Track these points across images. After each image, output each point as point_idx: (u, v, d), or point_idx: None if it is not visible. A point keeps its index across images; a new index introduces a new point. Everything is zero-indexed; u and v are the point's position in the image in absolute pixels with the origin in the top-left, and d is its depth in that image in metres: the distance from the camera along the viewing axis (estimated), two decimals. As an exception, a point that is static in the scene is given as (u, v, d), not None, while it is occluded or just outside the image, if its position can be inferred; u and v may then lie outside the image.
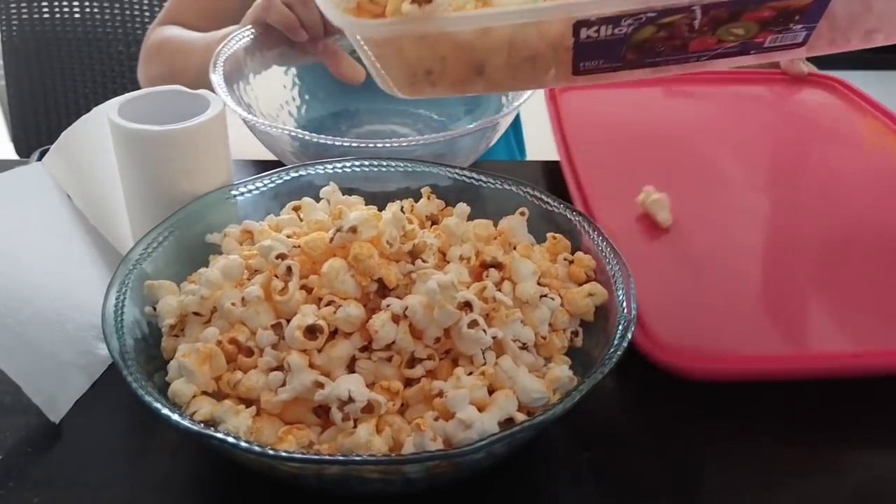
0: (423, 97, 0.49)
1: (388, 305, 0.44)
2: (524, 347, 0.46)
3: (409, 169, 0.59)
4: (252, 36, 0.77)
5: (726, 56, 0.45)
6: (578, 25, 0.42)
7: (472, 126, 0.68)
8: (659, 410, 0.52)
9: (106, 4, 1.27)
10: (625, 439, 0.50)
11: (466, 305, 0.43)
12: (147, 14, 1.27)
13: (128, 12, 1.27)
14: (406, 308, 0.43)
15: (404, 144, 0.64)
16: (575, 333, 0.49)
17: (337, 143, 0.63)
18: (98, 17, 1.27)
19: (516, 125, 1.14)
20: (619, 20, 0.41)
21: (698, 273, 0.61)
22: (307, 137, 0.64)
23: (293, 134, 0.66)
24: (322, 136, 0.63)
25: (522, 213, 0.54)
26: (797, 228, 0.66)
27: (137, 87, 0.63)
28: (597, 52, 0.44)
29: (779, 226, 0.68)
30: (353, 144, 0.63)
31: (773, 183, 0.74)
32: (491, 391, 0.43)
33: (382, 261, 0.46)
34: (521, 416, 0.42)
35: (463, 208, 0.51)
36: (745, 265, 0.62)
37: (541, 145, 1.15)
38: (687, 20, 0.41)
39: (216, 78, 0.70)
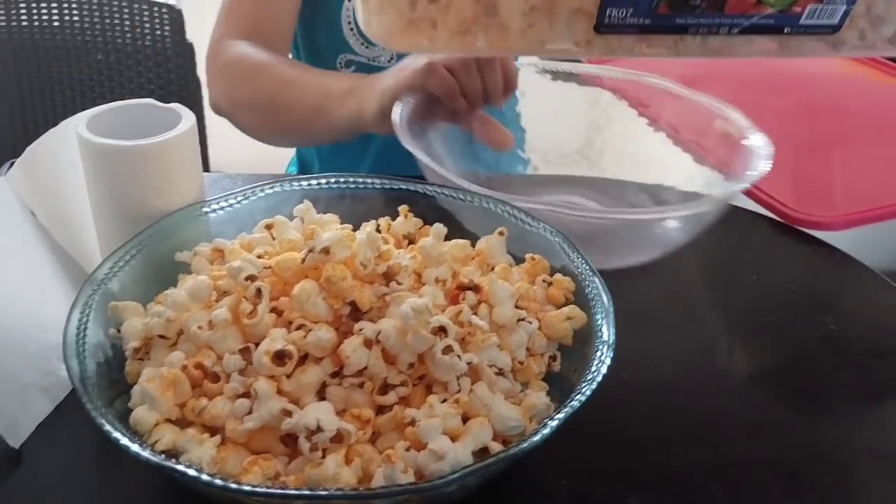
0: (413, 50, 0.42)
1: (360, 330, 0.43)
2: (500, 373, 0.45)
3: (387, 186, 0.58)
4: (412, 103, 0.68)
5: (759, 31, 0.44)
6: None
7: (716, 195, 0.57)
8: (638, 438, 0.51)
9: (86, 12, 1.25)
10: (603, 466, 0.48)
11: (441, 330, 0.42)
12: (127, 23, 1.26)
13: (108, 21, 1.25)
14: (379, 333, 0.42)
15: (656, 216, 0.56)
16: (553, 358, 0.48)
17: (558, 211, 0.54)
18: (77, 25, 1.25)
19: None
20: None
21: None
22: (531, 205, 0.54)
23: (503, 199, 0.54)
24: (545, 202, 0.55)
25: (501, 233, 0.53)
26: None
27: (117, 98, 0.60)
28: None
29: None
30: (573, 214, 0.54)
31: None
32: (466, 419, 0.42)
33: (356, 283, 0.45)
34: (496, 446, 0.41)
35: (439, 229, 0.50)
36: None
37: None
38: None
39: (412, 148, 0.60)
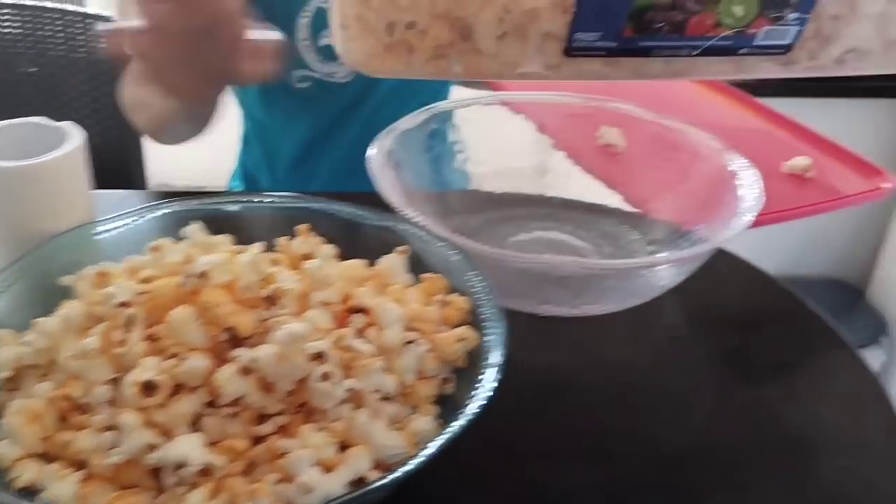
0: (389, 75, 0.45)
1: (236, 357, 0.41)
2: (388, 398, 0.44)
3: (290, 204, 0.56)
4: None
5: (717, 53, 0.46)
6: None
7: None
8: (537, 457, 0.50)
9: (17, 23, 1.22)
10: (500, 487, 0.48)
11: (319, 356, 0.41)
12: (60, 34, 1.23)
13: (40, 32, 1.23)
14: (254, 360, 0.41)
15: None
16: (446, 380, 0.47)
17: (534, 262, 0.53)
18: (9, 35, 1.22)
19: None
20: None
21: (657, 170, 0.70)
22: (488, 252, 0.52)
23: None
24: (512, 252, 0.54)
25: (402, 252, 0.52)
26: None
27: (51, 111, 0.57)
28: (597, 17, 0.43)
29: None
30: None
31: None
32: (348, 446, 0.41)
33: (237, 308, 0.43)
34: (373, 475, 0.40)
35: (327, 250, 0.48)
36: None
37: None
38: None
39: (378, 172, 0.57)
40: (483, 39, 0.43)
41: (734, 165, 0.63)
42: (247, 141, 0.97)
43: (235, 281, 0.44)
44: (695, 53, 0.46)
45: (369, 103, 0.88)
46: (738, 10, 0.45)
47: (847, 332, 1.74)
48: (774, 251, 1.84)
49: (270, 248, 0.52)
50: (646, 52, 0.46)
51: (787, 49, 0.48)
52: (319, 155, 0.90)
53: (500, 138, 0.75)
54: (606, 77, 0.47)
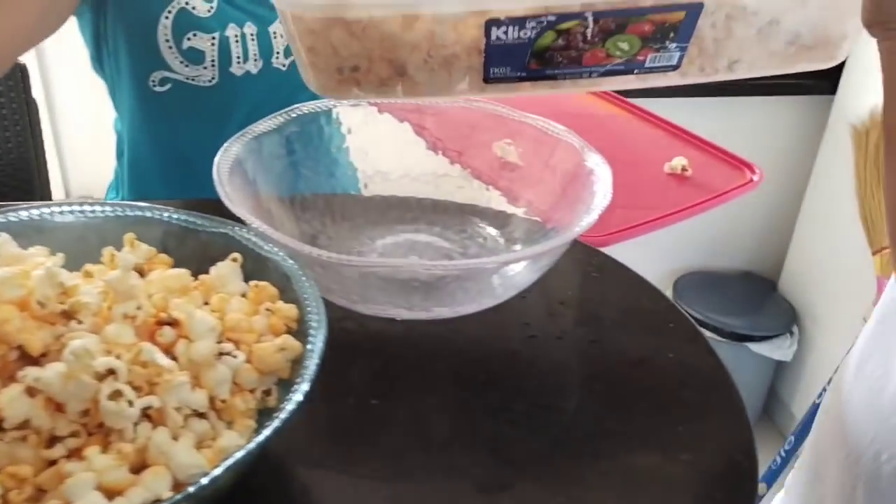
0: (347, 98, 0.52)
1: (23, 377, 0.39)
2: (200, 414, 0.42)
3: (120, 213, 0.54)
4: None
5: (614, 74, 0.52)
6: (489, 24, 0.47)
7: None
8: (377, 460, 0.49)
9: None
10: (340, 484, 0.46)
11: (111, 373, 0.39)
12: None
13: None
14: (37, 379, 0.38)
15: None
16: (267, 392, 0.45)
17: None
18: None
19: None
20: (524, 22, 0.48)
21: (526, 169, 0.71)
22: (324, 256, 0.51)
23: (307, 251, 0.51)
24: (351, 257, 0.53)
25: (234, 260, 0.50)
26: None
27: None
28: (505, 57, 0.50)
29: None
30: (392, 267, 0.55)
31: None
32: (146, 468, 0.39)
33: (33, 324, 0.41)
34: (169, 496, 0.38)
35: (127, 259, 0.46)
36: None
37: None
38: (581, 28, 0.48)
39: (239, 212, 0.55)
40: (416, 74, 0.51)
41: (590, 162, 0.63)
42: (119, 153, 0.94)
43: (29, 295, 0.41)
44: (595, 76, 0.53)
45: (240, 110, 0.85)
46: (624, 45, 0.51)
47: (762, 322, 1.76)
48: (691, 246, 1.87)
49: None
50: (553, 78, 0.53)
51: (676, 67, 0.53)
52: (186, 166, 0.87)
53: (370, 141, 0.74)
54: (528, 92, 0.54)
